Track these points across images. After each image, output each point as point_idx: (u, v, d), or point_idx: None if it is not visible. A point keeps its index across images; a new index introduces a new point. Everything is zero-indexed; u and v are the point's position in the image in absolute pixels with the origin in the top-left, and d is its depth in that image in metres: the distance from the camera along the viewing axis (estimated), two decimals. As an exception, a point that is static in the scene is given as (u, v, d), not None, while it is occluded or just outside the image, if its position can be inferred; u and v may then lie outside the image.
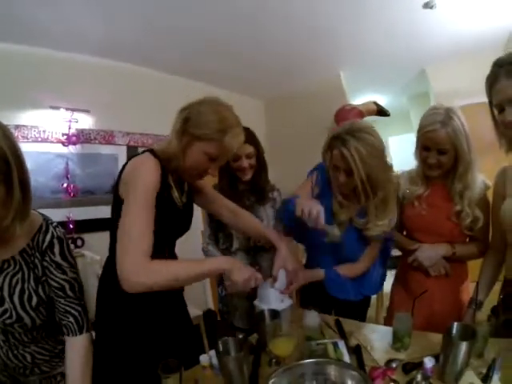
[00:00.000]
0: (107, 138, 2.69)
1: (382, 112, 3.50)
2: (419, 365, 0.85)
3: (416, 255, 1.30)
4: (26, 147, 2.10)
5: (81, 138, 2.51)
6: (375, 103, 3.50)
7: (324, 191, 1.30)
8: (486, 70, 0.98)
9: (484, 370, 0.79)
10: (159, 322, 1.05)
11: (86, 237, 2.47)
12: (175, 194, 1.03)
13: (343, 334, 1.06)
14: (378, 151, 1.13)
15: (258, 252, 1.58)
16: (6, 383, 0.90)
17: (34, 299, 0.84)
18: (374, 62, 3.28)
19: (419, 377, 0.76)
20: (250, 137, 1.45)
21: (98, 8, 2.04)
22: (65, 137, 2.42)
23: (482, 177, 1.26)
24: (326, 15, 2.40)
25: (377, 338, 1.07)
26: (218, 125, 0.94)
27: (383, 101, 4.22)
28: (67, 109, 2.43)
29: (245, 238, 1.55)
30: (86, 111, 2.56)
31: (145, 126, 2.89)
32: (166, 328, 1.07)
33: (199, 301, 2.86)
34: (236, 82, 3.49)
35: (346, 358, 0.91)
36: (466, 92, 2.85)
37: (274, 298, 1.10)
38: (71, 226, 2.39)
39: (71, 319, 0.88)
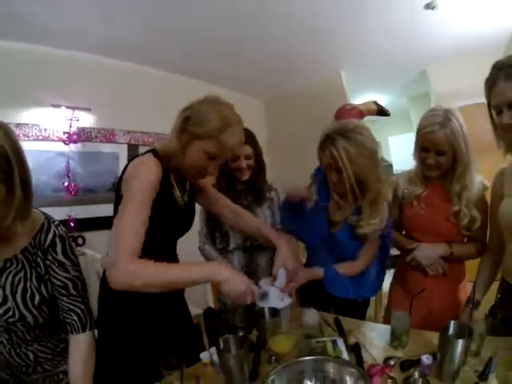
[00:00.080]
0: (108, 136, 2.68)
1: (382, 112, 3.49)
2: (417, 362, 0.86)
3: (414, 254, 1.31)
4: (27, 145, 2.10)
5: (82, 136, 2.51)
6: (375, 103, 3.49)
7: (321, 191, 1.31)
8: (487, 71, 0.99)
9: (481, 368, 0.80)
10: (160, 320, 1.06)
11: (87, 235, 2.47)
12: (177, 192, 1.04)
13: (342, 332, 1.07)
14: (369, 151, 1.13)
15: (255, 250, 1.59)
16: (8, 381, 0.91)
17: (37, 298, 0.84)
18: (374, 62, 3.28)
19: (416, 374, 0.78)
20: (250, 138, 1.47)
21: (98, 8, 2.05)
22: (66, 135, 2.42)
23: (480, 177, 1.27)
24: (326, 15, 2.40)
25: (375, 336, 1.08)
26: (218, 123, 0.95)
27: (384, 100, 4.21)
28: (68, 107, 2.42)
29: (242, 237, 1.56)
30: (87, 109, 2.55)
31: (146, 124, 2.88)
32: (166, 326, 1.08)
33: (199, 300, 2.86)
34: (236, 82, 3.48)
35: (345, 355, 0.92)
36: (467, 93, 2.84)
37: (273, 297, 1.10)
38: (72, 225, 2.39)
39: (74, 317, 0.89)
